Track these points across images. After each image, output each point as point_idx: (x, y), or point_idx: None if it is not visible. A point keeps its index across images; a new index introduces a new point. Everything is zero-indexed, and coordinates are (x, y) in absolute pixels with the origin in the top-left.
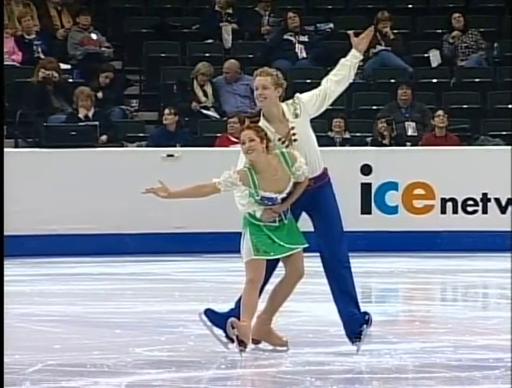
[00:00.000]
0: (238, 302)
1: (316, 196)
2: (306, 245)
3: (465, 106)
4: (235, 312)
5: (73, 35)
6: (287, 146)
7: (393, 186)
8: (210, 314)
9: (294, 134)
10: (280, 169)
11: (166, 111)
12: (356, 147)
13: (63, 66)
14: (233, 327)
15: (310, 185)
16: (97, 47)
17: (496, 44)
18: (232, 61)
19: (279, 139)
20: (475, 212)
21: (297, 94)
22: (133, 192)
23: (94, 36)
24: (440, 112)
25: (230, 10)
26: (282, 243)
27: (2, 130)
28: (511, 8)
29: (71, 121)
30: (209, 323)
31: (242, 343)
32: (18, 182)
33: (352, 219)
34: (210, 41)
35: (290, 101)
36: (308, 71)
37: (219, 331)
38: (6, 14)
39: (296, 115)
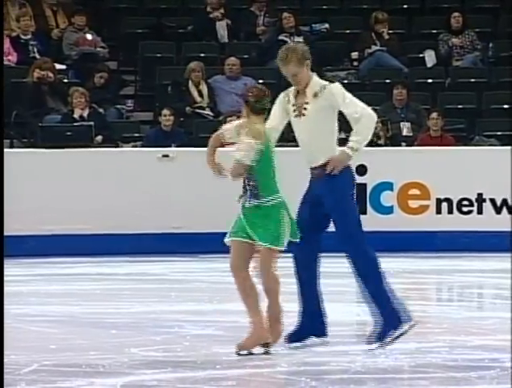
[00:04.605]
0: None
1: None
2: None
3: (460, 106)
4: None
5: (68, 35)
6: (296, 116)
7: (388, 186)
8: (292, 337)
9: (305, 109)
10: None
11: (165, 111)
12: None
13: (58, 66)
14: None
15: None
16: (92, 47)
17: (491, 45)
18: (233, 58)
19: (293, 105)
20: (470, 212)
21: (331, 85)
22: (129, 192)
23: (89, 37)
24: (434, 115)
25: (222, 10)
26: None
27: (2, 132)
28: (506, 8)
29: (66, 121)
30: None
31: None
32: (14, 182)
33: None
34: (205, 42)
35: (321, 83)
36: None
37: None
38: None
39: (315, 95)
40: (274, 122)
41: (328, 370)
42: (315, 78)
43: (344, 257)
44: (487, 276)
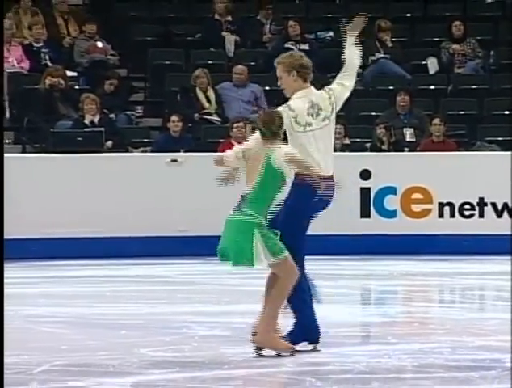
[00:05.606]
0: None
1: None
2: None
3: (462, 112)
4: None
5: (79, 43)
6: None
7: (392, 190)
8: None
9: None
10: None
11: (174, 117)
12: (356, 152)
13: (69, 74)
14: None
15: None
16: (102, 55)
17: (492, 52)
18: (241, 66)
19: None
20: (471, 216)
21: (284, 108)
22: (138, 196)
23: (99, 44)
24: (436, 120)
25: (230, 18)
26: None
27: (2, 133)
28: (507, 17)
29: (77, 127)
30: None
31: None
32: (26, 186)
33: (352, 223)
34: (213, 49)
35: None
36: None
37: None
38: (14, 23)
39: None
40: None
41: (333, 370)
42: (297, 94)
43: (346, 259)
44: (488, 278)
